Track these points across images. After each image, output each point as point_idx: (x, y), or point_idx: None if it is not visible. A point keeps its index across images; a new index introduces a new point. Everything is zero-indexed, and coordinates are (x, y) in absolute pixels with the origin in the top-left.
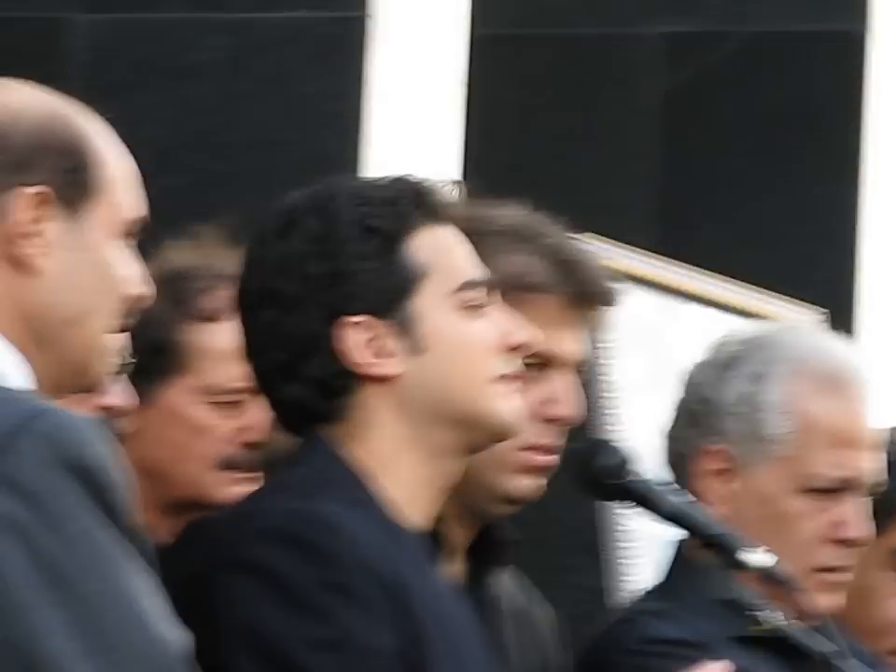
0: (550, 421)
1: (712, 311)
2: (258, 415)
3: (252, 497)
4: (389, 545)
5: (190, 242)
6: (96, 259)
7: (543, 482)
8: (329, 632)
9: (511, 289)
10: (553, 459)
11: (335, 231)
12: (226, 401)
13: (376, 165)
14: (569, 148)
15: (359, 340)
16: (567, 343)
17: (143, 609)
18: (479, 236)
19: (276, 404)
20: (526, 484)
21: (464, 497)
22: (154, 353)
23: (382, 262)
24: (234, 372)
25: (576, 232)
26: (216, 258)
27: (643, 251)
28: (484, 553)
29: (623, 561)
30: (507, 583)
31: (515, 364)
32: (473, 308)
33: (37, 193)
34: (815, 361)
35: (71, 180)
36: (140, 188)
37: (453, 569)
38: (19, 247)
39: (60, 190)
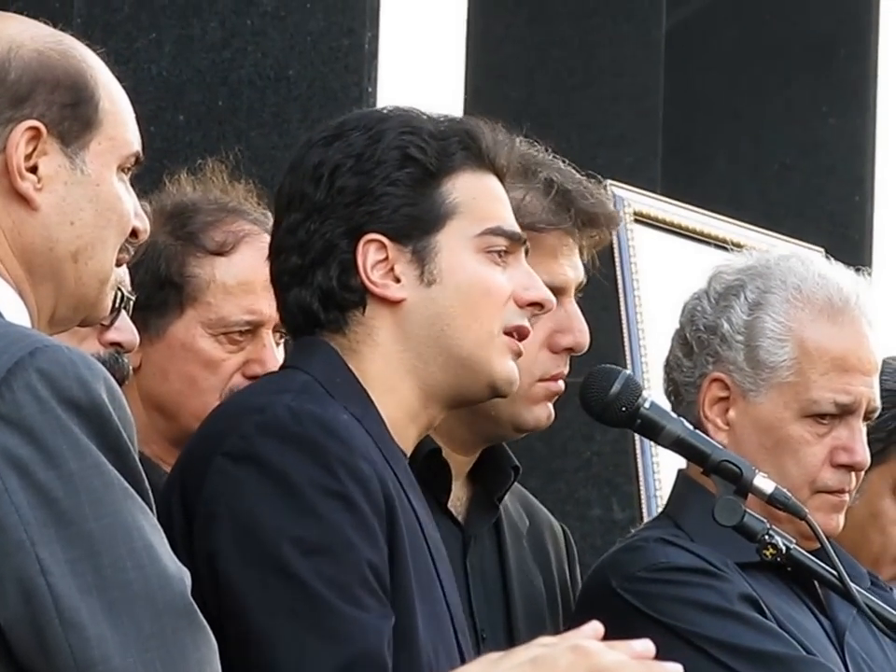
0: (561, 351)
1: (716, 250)
2: (264, 348)
3: (253, 392)
4: (385, 462)
5: (194, 177)
6: (95, 194)
7: (552, 409)
8: (322, 538)
9: None
10: (562, 386)
11: (375, 150)
12: (233, 334)
13: (380, 102)
14: (572, 85)
15: (371, 258)
16: (569, 271)
17: (144, 545)
18: None
19: (284, 307)
20: (542, 414)
21: (474, 425)
22: (162, 287)
23: (412, 192)
24: (242, 306)
25: (587, 173)
26: (219, 191)
27: (653, 194)
28: (486, 478)
29: (652, 491)
30: (510, 507)
31: (524, 319)
32: (495, 255)
33: (31, 128)
34: (811, 288)
35: (69, 114)
36: (135, 123)
37: (456, 495)
38: (16, 183)
39: (57, 125)
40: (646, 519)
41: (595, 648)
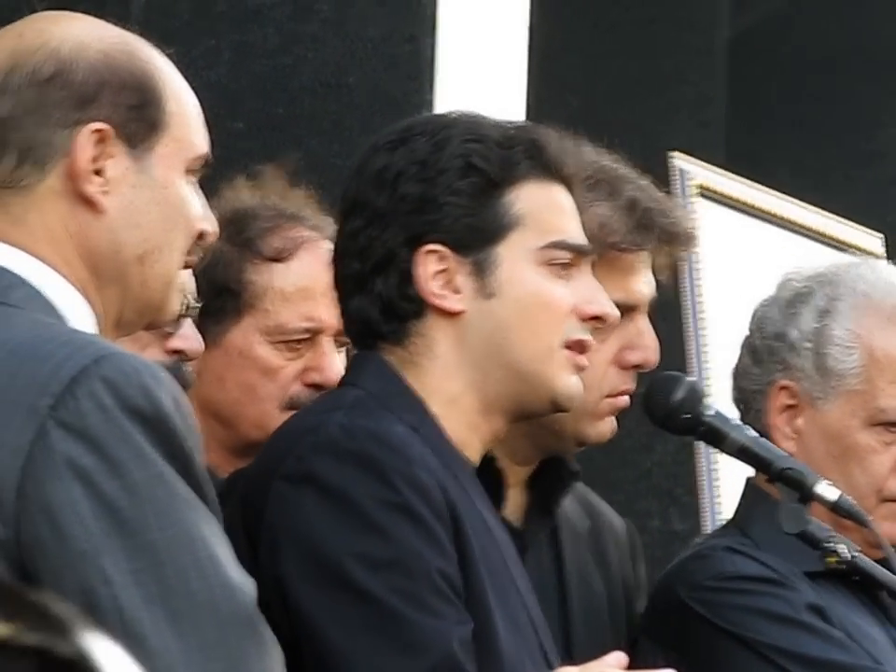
0: (629, 368)
1: (788, 233)
2: (323, 355)
3: (310, 412)
4: (445, 471)
5: (252, 183)
6: (162, 197)
7: (614, 423)
8: (388, 551)
9: (592, 243)
10: (627, 401)
11: (438, 158)
12: (291, 341)
13: (441, 110)
14: (635, 93)
15: (431, 268)
16: (643, 288)
17: (209, 556)
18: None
19: (345, 314)
20: (606, 429)
21: (536, 438)
22: (219, 293)
23: (475, 201)
24: (300, 312)
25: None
26: (278, 197)
27: (718, 169)
28: (546, 484)
29: (716, 501)
30: (570, 508)
31: (585, 333)
32: (558, 267)
33: (97, 130)
34: (881, 295)
35: (135, 116)
36: (203, 124)
37: (514, 502)
38: (82, 186)
39: (123, 127)
40: (705, 528)
41: None
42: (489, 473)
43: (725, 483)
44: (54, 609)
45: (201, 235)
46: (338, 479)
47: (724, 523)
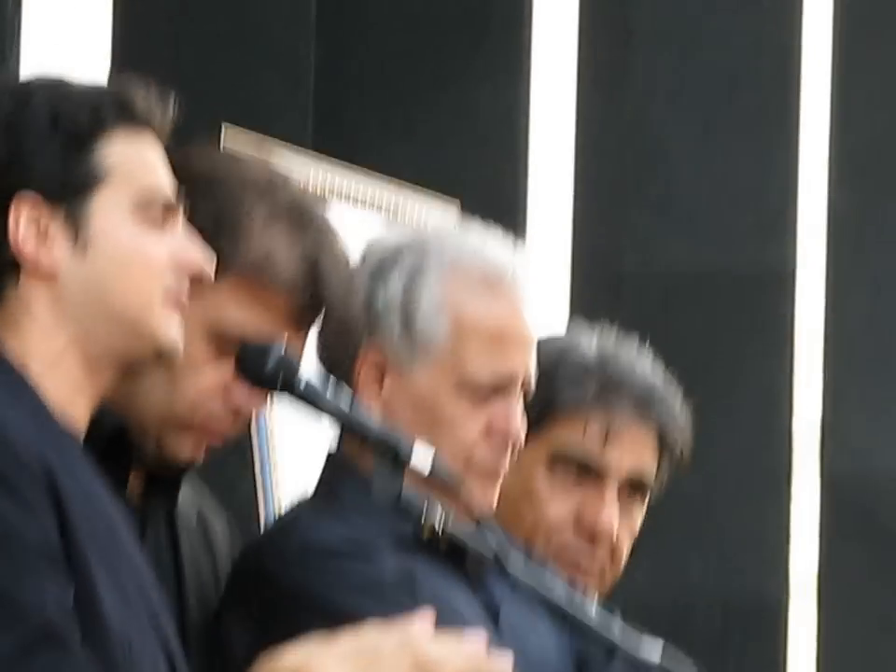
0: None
1: (363, 210)
2: None
3: None
4: (42, 437)
5: None
6: None
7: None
8: None
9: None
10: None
11: (23, 115)
12: None
13: (24, 67)
14: (221, 47)
15: (22, 227)
16: None
17: None
18: (229, 191)
19: None
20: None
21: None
22: None
23: (62, 154)
24: None
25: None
26: None
27: (293, 146)
28: (160, 468)
29: (278, 466)
30: (185, 496)
31: (182, 283)
32: (151, 220)
33: None
34: (468, 261)
35: None
36: None
37: (132, 481)
38: None
39: None
40: (261, 510)
41: (421, 638)
42: (118, 445)
43: (293, 447)
44: None
45: None
46: None
47: (309, 496)
